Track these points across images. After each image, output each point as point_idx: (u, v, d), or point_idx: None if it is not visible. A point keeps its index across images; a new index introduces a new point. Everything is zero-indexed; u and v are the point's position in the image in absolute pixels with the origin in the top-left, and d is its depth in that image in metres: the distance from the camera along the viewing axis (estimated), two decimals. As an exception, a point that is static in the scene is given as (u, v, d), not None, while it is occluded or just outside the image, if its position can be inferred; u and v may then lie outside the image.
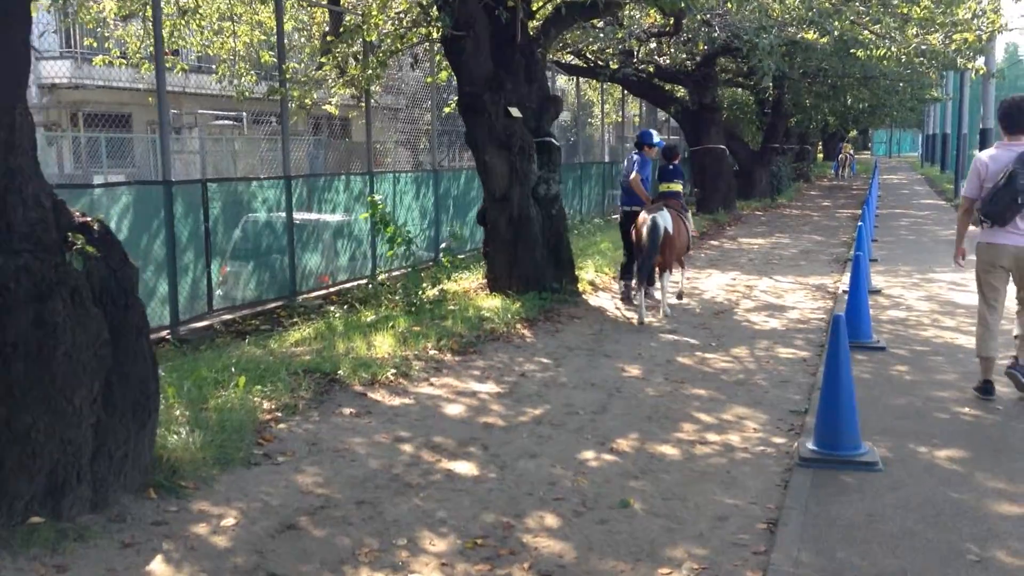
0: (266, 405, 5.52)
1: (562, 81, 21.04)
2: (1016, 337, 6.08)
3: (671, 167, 10.23)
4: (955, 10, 10.66)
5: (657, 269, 9.18)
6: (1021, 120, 5.91)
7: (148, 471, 4.33)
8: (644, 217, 8.93)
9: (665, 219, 8.84)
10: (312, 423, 5.42)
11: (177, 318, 7.98)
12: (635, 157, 10.00)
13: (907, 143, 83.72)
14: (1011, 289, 6.20)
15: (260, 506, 4.23)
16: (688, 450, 5.13)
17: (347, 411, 5.69)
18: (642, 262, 8.91)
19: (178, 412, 5.05)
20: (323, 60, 10.09)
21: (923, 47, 11.59)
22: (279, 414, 5.46)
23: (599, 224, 17.44)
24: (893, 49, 12.55)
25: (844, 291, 9.81)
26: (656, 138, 10.21)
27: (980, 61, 13.15)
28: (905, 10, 10.79)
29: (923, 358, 7.20)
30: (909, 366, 6.95)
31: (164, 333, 7.80)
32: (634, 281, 9.41)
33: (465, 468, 4.78)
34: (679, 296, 9.97)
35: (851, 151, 46.06)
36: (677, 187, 10.11)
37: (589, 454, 5.04)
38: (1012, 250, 5.98)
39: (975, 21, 11.34)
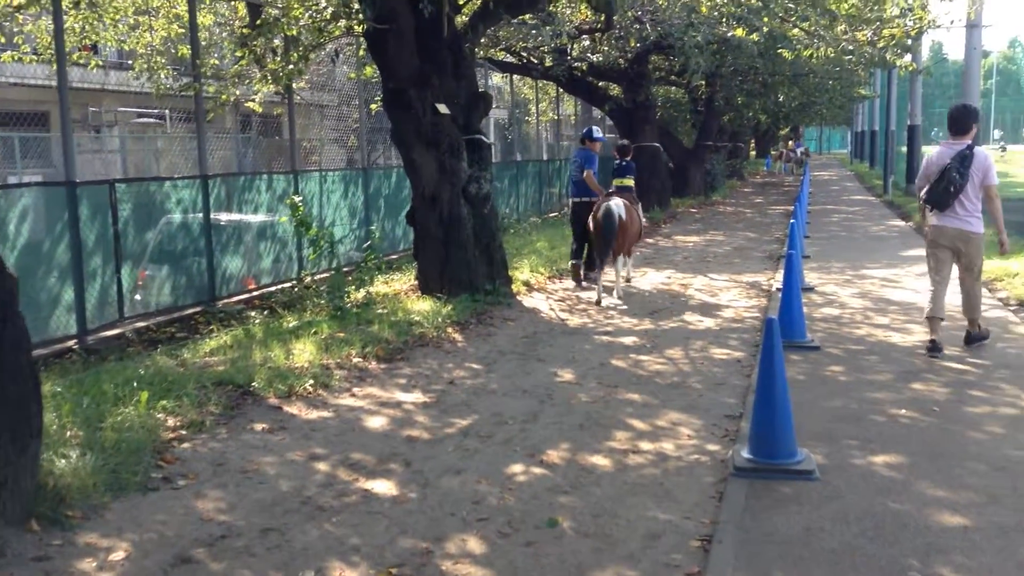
0: (170, 422, 5.13)
1: (497, 79, 20.81)
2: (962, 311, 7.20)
3: (624, 163, 11.03)
4: (883, 7, 10.67)
5: (612, 254, 9.74)
6: (964, 123, 7.04)
7: (30, 500, 3.93)
8: (599, 206, 9.73)
9: (619, 207, 9.63)
10: (219, 441, 5.06)
11: (84, 327, 7.51)
12: (581, 152, 10.98)
13: (836, 140, 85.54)
14: None
15: (154, 537, 3.87)
16: (620, 460, 4.90)
17: (259, 427, 5.33)
18: (600, 247, 9.66)
19: (71, 433, 4.65)
20: (239, 54, 9.64)
21: (851, 45, 11.61)
22: (184, 432, 5.08)
23: (536, 223, 17.24)
24: (822, 47, 12.58)
25: (778, 289, 9.73)
26: (598, 133, 11.10)
27: (907, 58, 13.23)
28: (833, 6, 10.77)
29: (857, 357, 7.10)
30: (844, 366, 6.84)
31: (70, 343, 7.34)
32: (595, 265, 10.19)
33: (384, 487, 4.47)
34: (627, 279, 10.62)
35: (793, 147, 46.18)
36: (629, 182, 10.88)
37: (517, 468, 4.78)
38: (951, 232, 7.02)
39: (903, 18, 11.38)
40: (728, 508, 4.18)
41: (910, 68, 13.47)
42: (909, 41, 12.33)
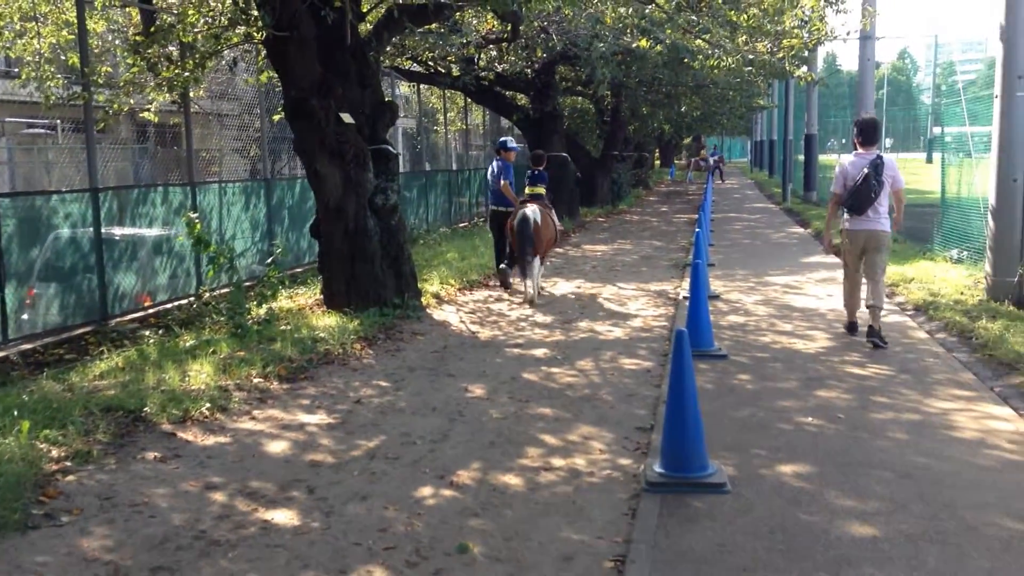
0: (54, 453, 4.80)
1: (404, 88, 20.59)
2: (869, 307, 7.74)
3: (536, 172, 11.56)
4: (782, 19, 10.92)
5: (530, 258, 10.23)
6: (875, 135, 7.90)
7: None
8: (516, 213, 10.37)
9: (535, 213, 10.26)
10: (107, 472, 4.74)
11: (-38, 351, 7.03)
12: (498, 163, 11.47)
13: (737, 150, 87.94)
14: None
15: (32, 583, 3.58)
16: (532, 479, 4.79)
17: (151, 456, 5.02)
18: (519, 251, 10.25)
19: (-60, 470, 4.29)
20: (130, 61, 9.22)
21: (751, 55, 11.84)
22: (69, 463, 4.75)
23: (446, 233, 17.09)
24: (724, 58, 12.81)
25: (684, 297, 9.82)
26: (512, 143, 11.65)
27: (804, 69, 13.61)
28: (734, 18, 10.97)
29: (764, 365, 7.18)
30: (751, 374, 6.90)
31: (-53, 369, 6.85)
32: (515, 268, 10.84)
33: (285, 517, 4.25)
34: (540, 288, 10.93)
35: (706, 155, 46.75)
36: (541, 190, 11.43)
37: (426, 491, 4.62)
38: (864, 234, 7.77)
39: (801, 29, 11.68)
40: (641, 526, 4.12)
41: (808, 79, 13.84)
42: (807, 52, 12.67)
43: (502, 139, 12.09)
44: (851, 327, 8.23)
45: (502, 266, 11.26)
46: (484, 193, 22.18)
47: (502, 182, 11.28)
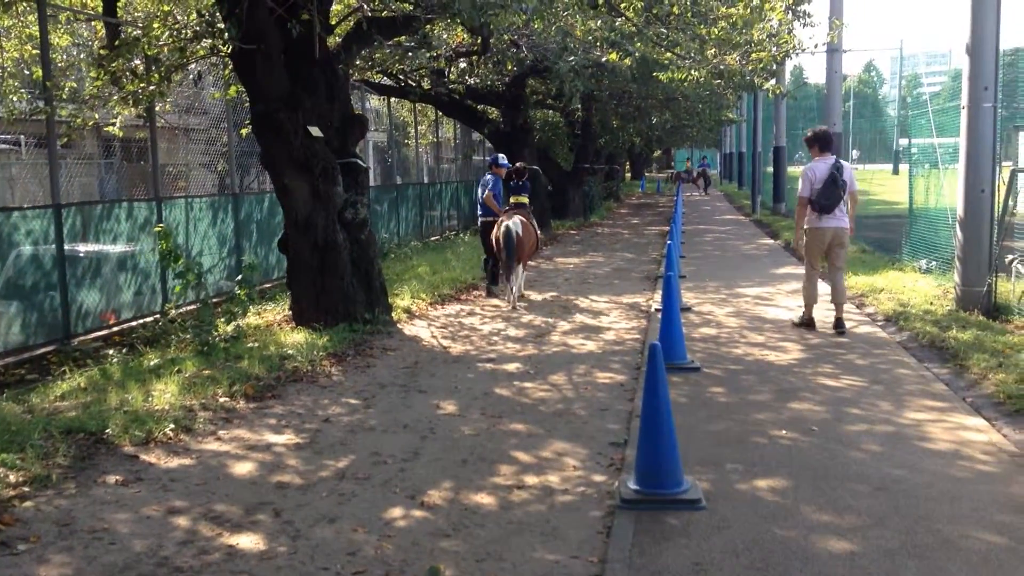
0: (11, 478, 4.64)
1: (375, 101, 20.49)
2: (837, 304, 8.76)
3: (520, 183, 12.38)
4: (751, 32, 10.97)
5: (512, 265, 11.02)
6: (828, 143, 8.81)
7: None
8: (500, 225, 11.13)
9: (516, 225, 10.99)
10: (66, 497, 4.59)
11: (-82, 373, 6.83)
12: (488, 177, 12.27)
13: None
14: None
15: (-16, 616, 3.44)
16: (505, 497, 4.70)
17: (112, 479, 4.87)
18: (504, 260, 11.02)
19: None
20: (93, 74, 9.06)
21: (721, 67, 11.89)
22: (26, 488, 4.60)
23: (417, 247, 16.97)
24: (693, 72, 12.85)
25: (657, 309, 9.79)
26: (503, 160, 12.53)
27: (772, 82, 13.69)
28: (703, 31, 11.01)
29: (736, 378, 7.15)
30: (724, 387, 6.86)
31: (-99, 391, 6.64)
32: (499, 283, 11.77)
33: (250, 542, 4.13)
34: (521, 293, 11.49)
35: (691, 167, 46.34)
36: (524, 200, 12.25)
37: (397, 512, 4.51)
38: (832, 231, 8.63)
39: (769, 41, 11.74)
40: (616, 544, 4.04)
41: (776, 91, 13.92)
42: (775, 65, 12.75)
43: (494, 155, 13.19)
44: (808, 323, 9.00)
45: (488, 284, 12.11)
46: (456, 206, 22.11)
47: (486, 193, 12.05)
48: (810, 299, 8.97)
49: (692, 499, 4.48)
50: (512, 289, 11.00)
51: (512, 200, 12.14)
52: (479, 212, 12.46)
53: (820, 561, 3.81)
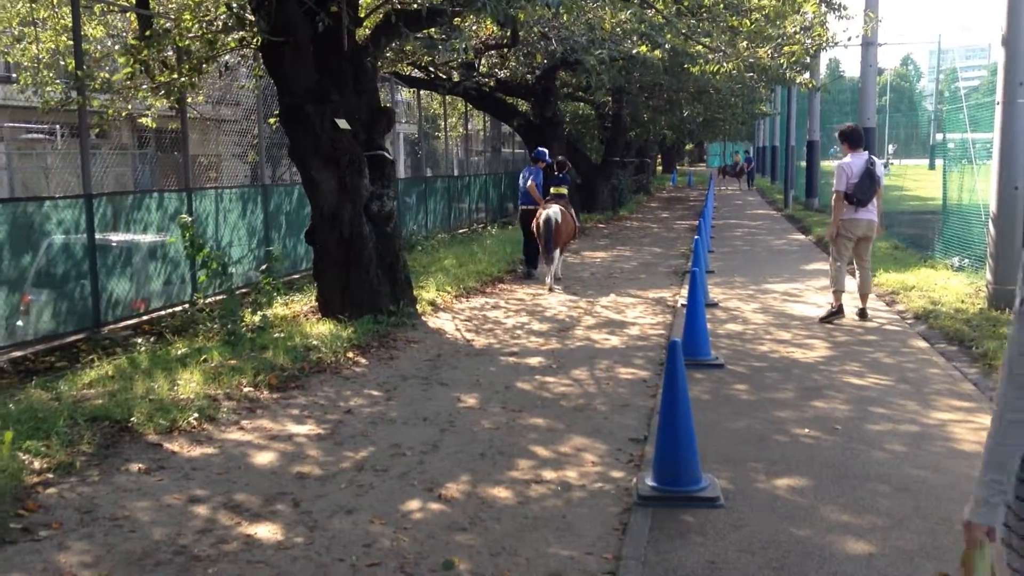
0: (36, 464, 4.72)
1: (405, 94, 20.54)
2: (863, 294, 9.23)
3: (560, 175, 13.31)
4: (784, 24, 10.83)
5: (552, 250, 12.00)
6: (858, 140, 9.06)
7: None
8: (540, 213, 12.08)
9: (556, 214, 11.92)
10: (89, 485, 4.66)
11: (-48, 359, 6.96)
12: (531, 169, 13.35)
13: (731, 156, 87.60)
14: None
15: (5, 600, 3.50)
16: (522, 492, 4.70)
17: (135, 467, 4.94)
18: (543, 246, 12.03)
19: (-82, 482, 4.21)
20: (122, 61, 9.14)
21: (751, 60, 11.77)
22: (51, 475, 4.67)
23: (444, 239, 17.00)
24: (725, 64, 12.72)
25: (683, 305, 9.73)
26: (545, 154, 13.70)
27: (806, 76, 13.53)
28: (735, 23, 10.90)
29: (761, 375, 7.09)
30: (747, 384, 6.81)
31: (-64, 377, 6.78)
32: (541, 260, 12.76)
33: (268, 532, 4.17)
34: (558, 277, 12.49)
35: (739, 160, 45.29)
36: (563, 190, 13.11)
37: (414, 504, 4.53)
38: (865, 223, 8.94)
39: (803, 34, 11.59)
40: (631, 541, 4.03)
41: (810, 85, 13.75)
42: (808, 59, 12.59)
43: (538, 149, 14.18)
44: (839, 311, 9.22)
45: (526, 268, 13.31)
46: (484, 199, 22.12)
47: (529, 183, 13.09)
48: (834, 286, 9.19)
49: (710, 497, 4.46)
50: (551, 273, 12.02)
51: (552, 191, 13.01)
52: (520, 202, 13.63)
53: (836, 561, 3.77)
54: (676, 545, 3.99)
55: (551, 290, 11.72)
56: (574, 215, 13.02)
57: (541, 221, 12.00)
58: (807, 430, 5.62)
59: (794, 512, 4.33)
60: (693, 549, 3.94)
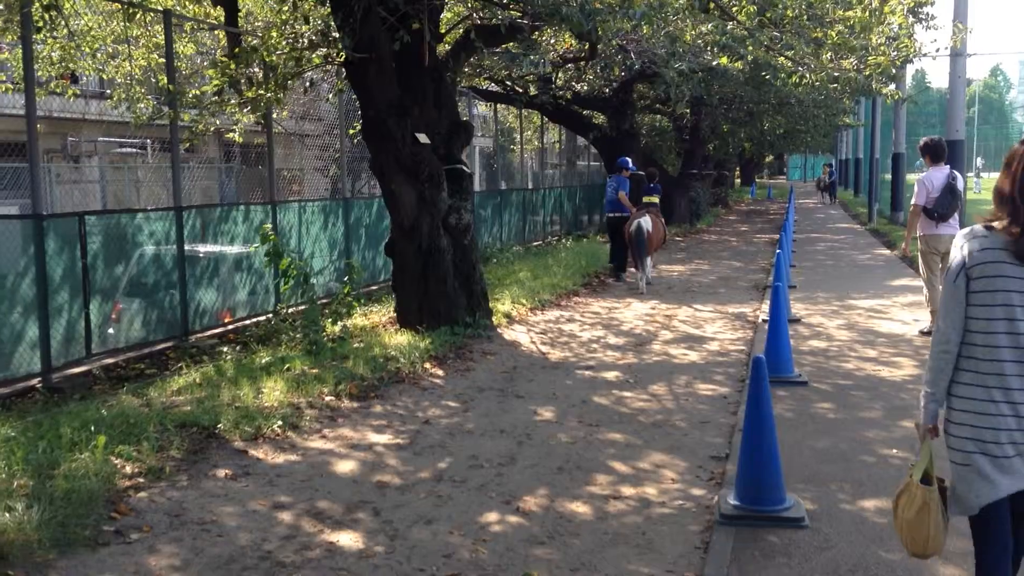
0: (127, 469, 4.88)
1: (482, 108, 20.72)
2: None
3: (651, 185, 14.70)
4: (869, 35, 10.58)
5: (642, 257, 12.97)
6: (942, 153, 8.96)
7: (-32, 560, 3.68)
8: (632, 222, 12.96)
9: (647, 222, 12.85)
10: (179, 489, 4.80)
11: (49, 364, 7.23)
12: (617, 178, 14.29)
13: (821, 168, 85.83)
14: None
15: (100, 599, 3.62)
16: (601, 507, 4.67)
17: (221, 473, 5.07)
18: (635, 252, 12.98)
19: (19, 482, 4.39)
20: (211, 73, 9.44)
21: (836, 72, 11.52)
22: (141, 480, 4.82)
23: (519, 252, 17.04)
24: (808, 76, 12.48)
25: (764, 320, 9.56)
26: (630, 164, 14.59)
27: (891, 87, 13.19)
28: (819, 35, 10.69)
29: (846, 393, 6.91)
30: (832, 403, 6.64)
31: (34, 382, 7.06)
32: (627, 272, 13.92)
33: (350, 540, 4.23)
34: (648, 281, 13.29)
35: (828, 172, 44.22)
36: (655, 199, 14.41)
37: (492, 516, 4.54)
38: (946, 238, 8.54)
39: (889, 45, 11.31)
40: (713, 561, 3.96)
41: (896, 96, 13.40)
42: (894, 70, 12.27)
43: (622, 158, 14.90)
44: None
45: (615, 272, 14.19)
46: (559, 212, 22.10)
47: (620, 193, 14.01)
48: (932, 305, 8.97)
49: (795, 517, 4.36)
50: (644, 277, 12.93)
51: (644, 199, 14.14)
52: (607, 210, 14.74)
53: (929, 589, 3.65)
54: (760, 566, 3.91)
55: (642, 293, 12.54)
56: (663, 223, 14.16)
57: (632, 229, 12.80)
58: (895, 451, 5.45)
59: (882, 535, 4.20)
60: (778, 570, 3.86)
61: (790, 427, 5.94)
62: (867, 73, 11.30)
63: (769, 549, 4.08)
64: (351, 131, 12.16)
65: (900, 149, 23.74)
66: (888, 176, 25.55)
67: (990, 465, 2.96)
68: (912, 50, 11.52)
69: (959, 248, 2.93)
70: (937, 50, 11.88)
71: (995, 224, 2.87)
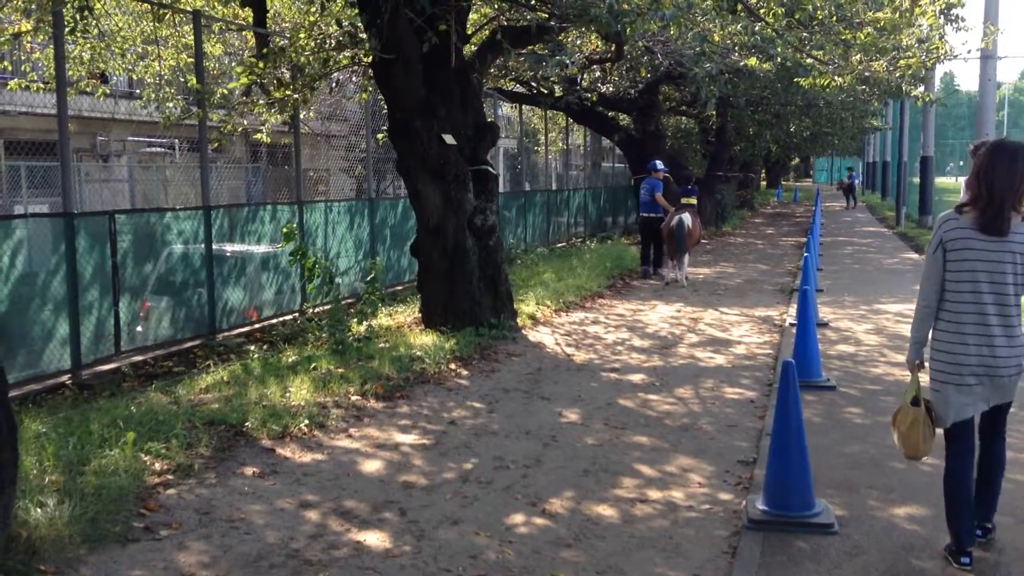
0: (157, 466, 4.92)
1: (506, 109, 20.71)
2: None
3: (689, 187, 15.21)
4: (899, 36, 10.48)
5: (681, 252, 13.84)
6: None
7: (1, 554, 3.72)
8: (672, 217, 13.75)
9: (687, 219, 13.58)
10: (207, 487, 4.83)
11: (79, 361, 7.30)
12: (651, 181, 14.88)
13: (845, 172, 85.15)
14: None
15: (130, 595, 3.64)
16: (627, 510, 4.65)
17: (250, 471, 5.10)
18: (675, 247, 13.69)
19: (50, 478, 4.43)
20: (238, 71, 9.50)
21: (866, 73, 11.43)
22: (170, 477, 4.86)
23: (543, 253, 17.02)
24: (837, 77, 12.38)
25: (791, 324, 9.49)
26: (661, 166, 15.21)
27: (921, 89, 13.06)
28: (848, 36, 10.60)
29: (875, 398, 6.84)
30: (861, 407, 6.58)
31: (64, 378, 7.13)
32: (666, 262, 14.38)
33: (376, 539, 4.23)
34: (686, 277, 14.11)
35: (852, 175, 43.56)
36: (692, 200, 14.74)
37: (518, 518, 4.53)
38: None
39: (919, 47, 11.20)
40: (741, 566, 3.93)
41: (925, 99, 13.26)
42: (924, 72, 12.15)
43: (653, 161, 15.48)
44: None
45: (646, 268, 14.93)
46: (583, 213, 22.05)
47: (656, 194, 14.67)
48: None
49: (824, 523, 4.32)
50: (680, 270, 13.79)
51: (683, 200, 14.62)
52: (641, 210, 15.33)
53: (962, 598, 3.60)
54: (789, 571, 3.87)
55: (683, 286, 13.51)
56: (700, 223, 14.92)
57: (673, 224, 13.48)
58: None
59: (913, 542, 4.15)
60: (807, 576, 3.82)
61: (819, 432, 5.89)
62: (897, 74, 11.19)
63: (798, 555, 4.05)
64: (379, 135, 12.21)
65: (929, 152, 23.50)
66: (916, 179, 25.30)
67: (957, 392, 3.88)
68: (942, 52, 11.40)
69: (938, 228, 3.90)
70: (968, 52, 11.76)
71: (965, 209, 3.81)
